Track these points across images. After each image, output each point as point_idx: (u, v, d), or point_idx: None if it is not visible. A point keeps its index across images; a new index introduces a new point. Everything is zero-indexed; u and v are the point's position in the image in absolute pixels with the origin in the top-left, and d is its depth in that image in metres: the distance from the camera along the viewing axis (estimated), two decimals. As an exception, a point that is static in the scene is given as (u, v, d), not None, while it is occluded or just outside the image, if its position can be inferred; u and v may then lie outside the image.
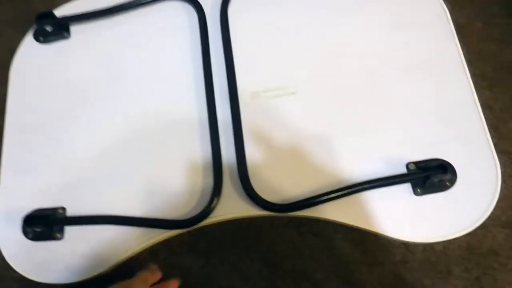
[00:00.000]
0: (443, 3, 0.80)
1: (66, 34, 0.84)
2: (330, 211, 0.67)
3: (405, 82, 0.74)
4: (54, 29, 0.83)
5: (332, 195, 0.66)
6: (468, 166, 0.68)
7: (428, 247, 0.75)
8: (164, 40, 0.83)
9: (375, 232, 0.66)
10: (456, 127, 0.71)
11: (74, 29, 0.85)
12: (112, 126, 0.77)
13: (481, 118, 0.71)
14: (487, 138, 0.70)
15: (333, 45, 0.78)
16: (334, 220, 0.67)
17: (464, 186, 0.67)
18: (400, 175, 0.67)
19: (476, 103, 0.72)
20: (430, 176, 0.65)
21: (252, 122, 0.73)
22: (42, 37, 0.84)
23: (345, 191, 0.66)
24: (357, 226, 0.67)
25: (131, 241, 0.69)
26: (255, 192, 0.68)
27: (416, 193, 0.67)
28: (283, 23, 0.81)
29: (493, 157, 0.68)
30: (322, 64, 0.77)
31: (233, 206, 0.69)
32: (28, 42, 0.85)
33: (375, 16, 0.80)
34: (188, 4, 0.84)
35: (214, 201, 0.68)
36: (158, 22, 0.84)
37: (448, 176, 0.66)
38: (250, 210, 0.68)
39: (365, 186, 0.66)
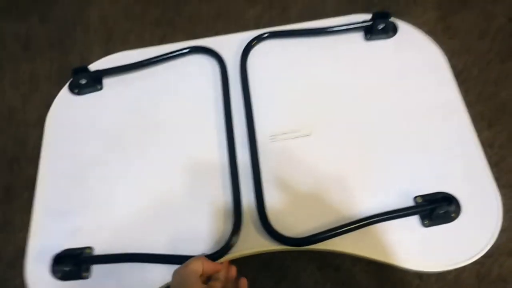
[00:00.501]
0: (442, 52, 0.87)
1: (99, 87, 0.92)
2: (344, 244, 0.70)
3: (411, 124, 0.80)
4: (88, 81, 0.91)
5: (345, 228, 0.70)
6: (472, 198, 0.72)
7: (440, 277, 0.78)
8: (189, 90, 0.90)
9: (387, 263, 0.70)
10: (460, 164, 0.76)
11: (107, 81, 0.93)
12: (140, 171, 0.82)
13: (482, 155, 0.76)
14: (489, 173, 0.74)
15: (344, 91, 0.85)
16: (348, 253, 0.70)
17: (469, 217, 0.71)
18: (408, 208, 0.71)
19: (476, 141, 0.77)
20: (436, 208, 0.69)
21: (269, 163, 0.79)
22: (77, 89, 0.92)
23: (357, 224, 0.70)
24: (370, 258, 0.70)
25: (156, 277, 0.71)
26: (272, 227, 0.72)
27: (424, 225, 0.71)
28: (299, 71, 0.89)
29: (495, 190, 0.73)
30: (334, 107, 0.84)
31: (252, 242, 0.72)
32: (64, 94, 0.93)
33: (383, 65, 0.88)
34: (211, 57, 0.93)
35: (234, 238, 0.71)
36: (183, 74, 0.92)
37: (452, 208, 0.70)
38: (268, 245, 0.72)
39: (376, 219, 0.70)
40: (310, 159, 0.79)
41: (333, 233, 0.70)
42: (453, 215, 0.71)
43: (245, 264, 0.72)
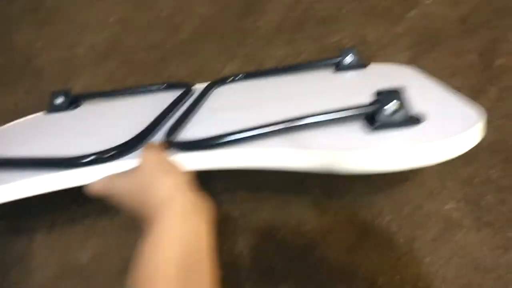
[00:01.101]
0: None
1: (73, 107, 0.96)
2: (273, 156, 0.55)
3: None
4: (64, 102, 0.96)
5: (267, 129, 0.56)
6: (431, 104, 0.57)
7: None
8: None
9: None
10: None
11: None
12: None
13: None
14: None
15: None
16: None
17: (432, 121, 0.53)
18: (346, 108, 0.56)
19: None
20: (381, 105, 0.53)
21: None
22: (52, 109, 0.96)
23: (276, 126, 0.56)
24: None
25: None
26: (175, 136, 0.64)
27: (371, 130, 0.54)
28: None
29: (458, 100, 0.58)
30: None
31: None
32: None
33: (352, 78, 0.84)
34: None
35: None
36: (155, 104, 0.87)
37: (402, 105, 0.54)
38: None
39: (310, 118, 0.56)
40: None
41: (247, 134, 0.56)
42: (407, 117, 0.53)
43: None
